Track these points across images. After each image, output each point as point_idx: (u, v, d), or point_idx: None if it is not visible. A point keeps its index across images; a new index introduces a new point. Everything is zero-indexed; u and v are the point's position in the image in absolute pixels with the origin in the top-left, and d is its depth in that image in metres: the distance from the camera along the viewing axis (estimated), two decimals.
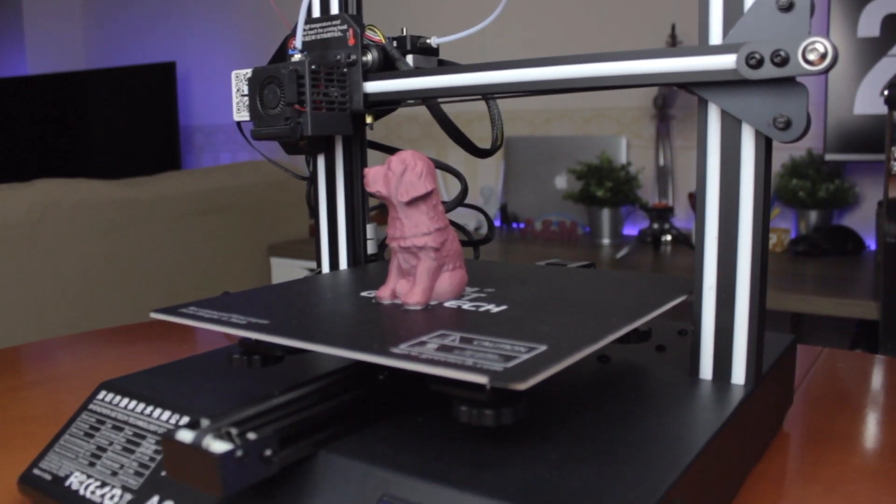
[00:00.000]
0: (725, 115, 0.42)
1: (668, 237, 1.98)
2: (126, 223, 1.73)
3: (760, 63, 0.39)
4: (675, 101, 2.17)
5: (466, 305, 0.44)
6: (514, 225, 2.37)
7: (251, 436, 0.32)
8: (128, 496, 0.39)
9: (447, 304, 0.44)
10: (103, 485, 0.40)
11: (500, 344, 0.35)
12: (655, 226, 1.97)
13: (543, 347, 0.34)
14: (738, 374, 0.44)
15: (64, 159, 3.39)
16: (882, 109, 1.74)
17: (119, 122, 3.25)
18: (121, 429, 0.43)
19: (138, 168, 2.66)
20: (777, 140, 0.41)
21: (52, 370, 0.71)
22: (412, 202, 0.43)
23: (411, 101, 0.55)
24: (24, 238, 1.56)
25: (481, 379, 0.30)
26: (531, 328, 0.38)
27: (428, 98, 0.53)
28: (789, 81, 0.40)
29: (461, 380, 0.31)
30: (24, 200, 1.57)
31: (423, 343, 0.35)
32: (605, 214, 2.09)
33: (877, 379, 0.65)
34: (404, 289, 0.45)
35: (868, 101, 1.80)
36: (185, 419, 0.41)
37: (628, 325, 0.38)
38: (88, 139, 3.33)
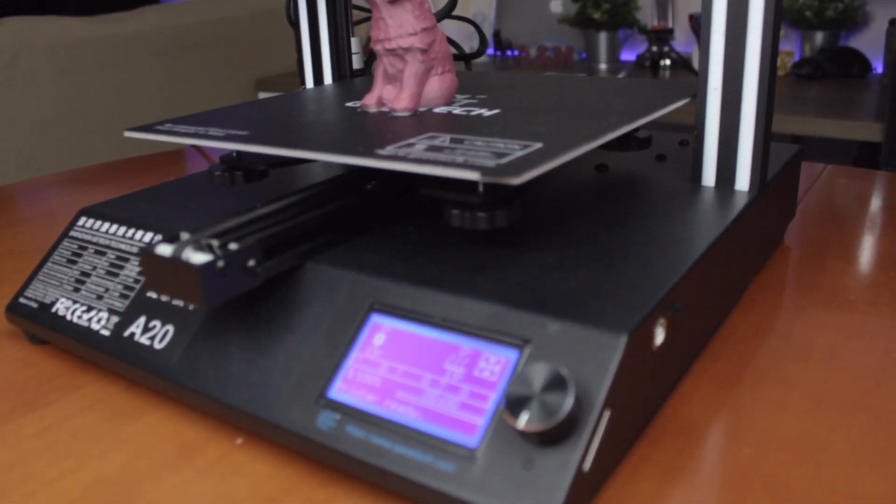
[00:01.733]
0: None
1: (668, 61, 1.91)
2: (104, 61, 1.67)
3: None
4: None
5: (457, 110, 0.41)
6: (508, 52, 2.29)
7: (233, 246, 0.30)
8: (115, 318, 0.38)
9: (437, 110, 0.42)
10: (89, 309, 0.40)
11: (492, 143, 0.33)
12: (654, 49, 1.90)
13: (539, 145, 0.32)
14: (743, 180, 0.42)
15: None
16: None
17: None
18: (103, 253, 0.42)
19: (111, 6, 2.53)
20: None
21: (39, 207, 0.70)
22: None
23: None
24: None
25: (472, 175, 0.28)
26: (526, 129, 0.35)
27: None
28: None
29: (452, 178, 0.29)
30: None
31: (410, 144, 0.33)
32: (602, 38, 2.02)
33: (878, 194, 0.64)
34: (391, 94, 0.42)
35: None
36: None
37: (629, 125, 0.36)
38: None
